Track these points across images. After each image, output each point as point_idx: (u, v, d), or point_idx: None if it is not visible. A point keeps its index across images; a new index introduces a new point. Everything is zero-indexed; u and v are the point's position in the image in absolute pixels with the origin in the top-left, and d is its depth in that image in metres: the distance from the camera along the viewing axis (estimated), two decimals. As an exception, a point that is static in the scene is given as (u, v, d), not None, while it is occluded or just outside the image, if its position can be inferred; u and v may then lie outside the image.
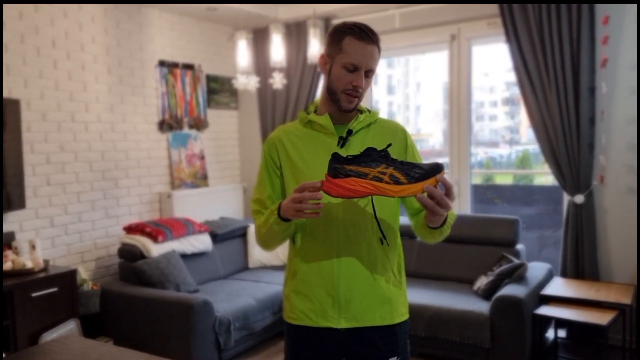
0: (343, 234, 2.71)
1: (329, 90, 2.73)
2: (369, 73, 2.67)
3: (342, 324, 2.74)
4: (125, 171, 7.01)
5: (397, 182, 2.36)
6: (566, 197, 6.37)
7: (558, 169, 6.26)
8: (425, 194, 2.36)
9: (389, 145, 2.54)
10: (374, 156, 2.41)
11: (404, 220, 2.89)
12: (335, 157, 2.44)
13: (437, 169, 2.36)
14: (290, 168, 2.77)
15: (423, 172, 2.35)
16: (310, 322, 2.77)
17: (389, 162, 2.40)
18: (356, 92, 2.66)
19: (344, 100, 2.68)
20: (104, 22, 6.71)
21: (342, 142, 2.70)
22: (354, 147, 2.66)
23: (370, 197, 2.65)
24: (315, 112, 2.83)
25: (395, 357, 2.82)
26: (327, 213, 2.67)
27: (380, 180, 2.37)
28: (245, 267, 7.62)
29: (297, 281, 2.81)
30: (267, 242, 2.84)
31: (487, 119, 9.07)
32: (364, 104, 2.91)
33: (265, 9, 7.62)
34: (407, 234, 6.57)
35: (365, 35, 2.64)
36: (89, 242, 6.61)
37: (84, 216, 6.55)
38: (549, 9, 6.07)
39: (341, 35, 2.67)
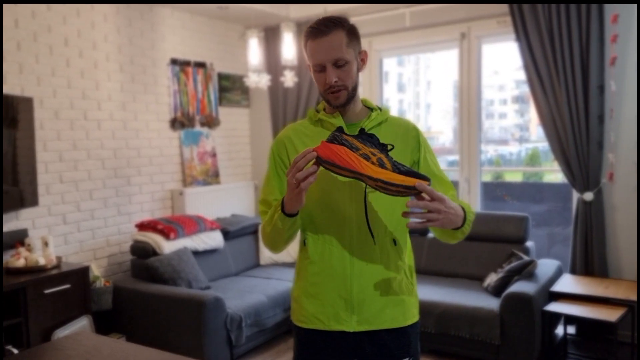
0: (356, 236, 2.68)
1: (320, 95, 2.72)
2: (339, 63, 2.59)
3: (355, 327, 2.71)
4: (137, 169, 7.04)
5: (382, 166, 2.34)
6: (575, 195, 6.35)
7: (567, 167, 6.25)
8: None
9: (392, 147, 2.49)
10: (374, 141, 2.42)
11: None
12: (338, 129, 2.46)
13: (423, 176, 2.33)
14: None
15: (409, 170, 2.34)
16: (322, 326, 2.74)
17: (383, 151, 2.40)
18: (334, 88, 2.60)
19: (331, 99, 2.64)
20: (116, 20, 6.75)
21: None
22: None
23: (364, 195, 2.65)
24: (324, 110, 2.79)
25: (407, 359, 2.79)
26: (340, 215, 2.67)
27: (368, 158, 2.35)
28: (256, 264, 7.64)
29: (307, 284, 2.77)
30: (273, 242, 2.76)
31: (497, 116, 9.05)
32: (374, 101, 2.89)
33: (276, 8, 7.63)
34: (417, 231, 6.61)
35: (317, 31, 2.59)
36: (101, 239, 6.64)
37: (96, 213, 6.58)
38: (558, 7, 6.06)
39: (305, 42, 2.66)
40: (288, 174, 2.41)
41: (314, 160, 2.39)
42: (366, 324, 2.71)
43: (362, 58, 2.73)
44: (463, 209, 2.56)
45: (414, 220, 2.38)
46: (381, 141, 2.48)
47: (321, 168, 2.42)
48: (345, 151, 2.37)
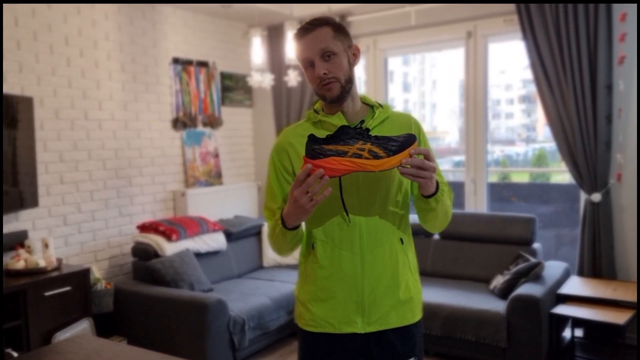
0: (366, 238, 2.68)
1: (316, 94, 2.72)
2: (327, 56, 2.61)
3: (365, 328, 2.72)
4: (139, 169, 6.99)
5: (377, 156, 2.39)
6: (583, 196, 6.31)
7: (575, 167, 6.21)
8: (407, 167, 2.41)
9: (362, 121, 2.60)
10: (350, 134, 2.43)
11: (414, 218, 2.84)
12: (312, 139, 2.46)
13: (411, 139, 2.42)
14: None
15: (399, 144, 2.40)
16: (332, 329, 2.74)
17: (366, 138, 2.43)
18: (325, 81, 2.60)
19: (325, 93, 2.65)
20: (117, 19, 6.70)
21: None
22: None
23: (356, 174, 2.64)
24: (323, 110, 2.79)
25: (413, 358, 2.80)
26: (348, 217, 2.66)
27: (360, 156, 2.39)
28: (259, 266, 7.59)
29: (317, 288, 2.75)
30: (279, 250, 2.81)
31: (503, 116, 9.03)
32: (378, 100, 2.85)
33: (280, 6, 7.58)
34: (423, 232, 6.58)
35: (303, 29, 2.65)
36: (102, 241, 6.60)
37: (97, 215, 6.53)
38: (565, 6, 6.02)
39: (294, 46, 2.72)
40: (295, 191, 2.42)
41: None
42: (376, 324, 2.73)
43: (354, 53, 2.73)
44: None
45: (408, 172, 2.41)
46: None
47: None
48: (336, 161, 2.41)
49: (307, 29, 2.63)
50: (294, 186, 2.42)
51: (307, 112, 2.83)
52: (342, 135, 2.43)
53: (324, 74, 2.59)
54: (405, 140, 2.41)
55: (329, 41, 2.61)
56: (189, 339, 5.62)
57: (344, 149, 2.40)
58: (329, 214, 2.67)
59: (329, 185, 2.47)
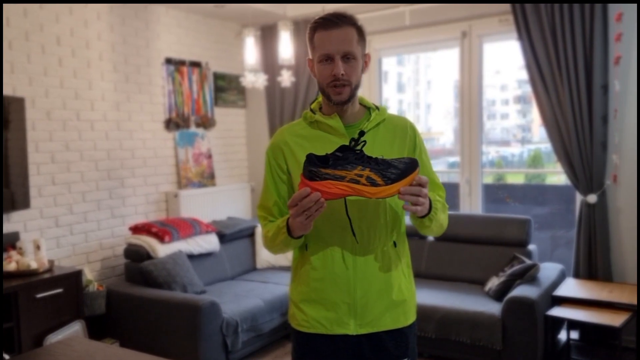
0: (359, 242, 2.68)
1: (320, 89, 2.71)
2: (347, 58, 2.60)
3: (357, 330, 2.72)
4: (131, 170, 6.95)
5: (374, 184, 2.37)
6: (579, 197, 6.33)
7: (570, 168, 6.20)
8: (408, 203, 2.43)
9: (363, 142, 2.54)
10: (349, 159, 2.41)
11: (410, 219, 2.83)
12: (310, 159, 2.44)
13: (412, 167, 2.40)
14: (300, 171, 2.64)
15: (399, 172, 2.38)
16: (324, 330, 2.74)
17: (365, 162, 2.40)
18: (339, 81, 2.59)
19: (332, 94, 2.63)
20: (109, 19, 6.66)
21: (354, 143, 2.58)
22: (366, 148, 2.55)
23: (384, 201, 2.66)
24: (320, 110, 2.78)
25: (405, 359, 2.79)
26: (341, 222, 2.66)
27: (357, 182, 2.38)
28: (253, 268, 7.56)
29: (309, 289, 2.76)
30: (276, 251, 2.81)
31: (498, 117, 9.03)
32: (373, 102, 2.83)
33: (273, 6, 7.56)
34: (417, 234, 6.56)
35: (330, 22, 2.60)
36: (94, 243, 6.56)
37: (89, 216, 6.49)
38: (561, 5, 6.01)
39: (312, 33, 2.67)
40: (291, 210, 2.45)
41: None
42: (368, 326, 2.73)
43: (366, 60, 2.74)
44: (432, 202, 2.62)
45: (407, 204, 2.44)
46: (381, 144, 2.65)
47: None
48: (332, 184, 2.40)
49: (335, 23, 2.59)
50: (290, 204, 2.43)
51: (304, 111, 2.82)
52: (342, 160, 2.41)
53: (342, 74, 2.58)
54: (406, 168, 2.39)
55: (353, 44, 2.60)
56: (182, 341, 5.61)
57: (341, 173, 2.39)
58: (324, 217, 2.62)
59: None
